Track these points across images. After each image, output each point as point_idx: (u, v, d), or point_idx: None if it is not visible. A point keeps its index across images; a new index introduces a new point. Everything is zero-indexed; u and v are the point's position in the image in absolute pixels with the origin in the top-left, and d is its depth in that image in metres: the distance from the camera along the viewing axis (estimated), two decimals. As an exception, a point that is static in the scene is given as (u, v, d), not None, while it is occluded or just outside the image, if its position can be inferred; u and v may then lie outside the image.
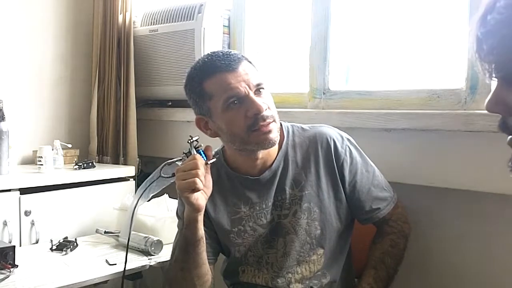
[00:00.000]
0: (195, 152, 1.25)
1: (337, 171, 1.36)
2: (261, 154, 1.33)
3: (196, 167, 1.20)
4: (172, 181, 1.27)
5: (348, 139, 1.40)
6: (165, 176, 1.29)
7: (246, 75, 1.27)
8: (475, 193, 1.48)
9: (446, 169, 1.53)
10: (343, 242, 1.41)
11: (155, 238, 1.75)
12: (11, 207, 1.86)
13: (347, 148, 1.38)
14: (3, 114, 1.93)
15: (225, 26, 2.18)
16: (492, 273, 1.51)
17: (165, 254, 1.73)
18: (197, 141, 1.26)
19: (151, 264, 1.68)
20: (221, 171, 1.39)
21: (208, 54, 1.34)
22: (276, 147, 1.34)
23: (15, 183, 1.89)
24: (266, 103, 1.27)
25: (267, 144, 1.28)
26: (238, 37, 2.17)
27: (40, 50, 2.32)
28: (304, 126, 1.43)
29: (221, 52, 1.31)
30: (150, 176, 1.29)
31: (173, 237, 1.94)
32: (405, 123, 1.58)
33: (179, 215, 1.41)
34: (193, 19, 2.13)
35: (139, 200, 1.41)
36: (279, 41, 2.21)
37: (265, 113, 1.26)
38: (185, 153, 1.26)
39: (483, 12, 0.66)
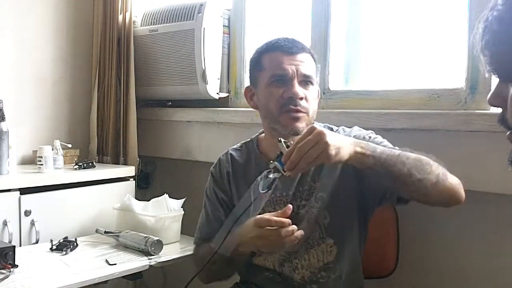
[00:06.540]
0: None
1: None
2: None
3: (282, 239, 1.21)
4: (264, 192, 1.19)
5: (372, 132, 1.42)
6: (261, 190, 1.18)
7: (301, 63, 1.36)
8: (475, 193, 1.47)
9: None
10: (357, 240, 1.40)
11: (155, 238, 1.75)
12: (11, 207, 1.86)
13: (370, 133, 1.40)
14: (3, 114, 1.93)
15: (225, 26, 2.18)
16: (492, 273, 1.51)
17: (165, 254, 1.74)
18: None
19: (151, 264, 1.68)
20: (252, 155, 1.45)
21: (283, 37, 1.44)
22: None
23: (15, 183, 1.89)
24: (306, 95, 1.34)
25: (291, 130, 1.33)
26: (238, 37, 2.17)
27: (40, 50, 2.32)
28: (334, 127, 1.44)
29: (292, 38, 1.41)
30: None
31: (173, 237, 1.94)
32: (405, 123, 1.58)
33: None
34: (193, 19, 2.13)
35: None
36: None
37: (299, 101, 1.33)
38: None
39: (488, 10, 0.70)
